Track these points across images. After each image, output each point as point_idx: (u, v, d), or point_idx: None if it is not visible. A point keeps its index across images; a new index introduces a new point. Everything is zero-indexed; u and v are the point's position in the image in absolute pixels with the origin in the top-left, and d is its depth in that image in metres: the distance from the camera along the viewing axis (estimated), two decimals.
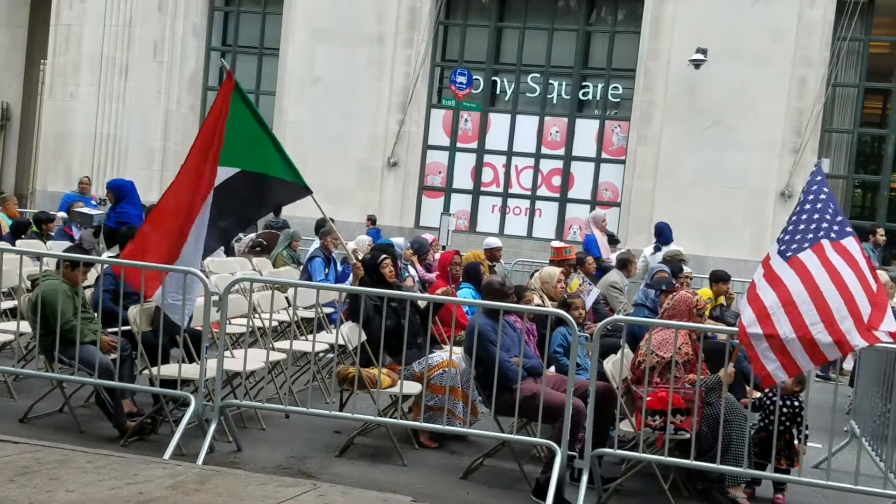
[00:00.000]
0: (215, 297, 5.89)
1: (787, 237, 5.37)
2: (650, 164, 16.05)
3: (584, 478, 5.34)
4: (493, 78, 17.29)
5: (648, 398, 5.47)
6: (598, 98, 16.91)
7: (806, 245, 5.24)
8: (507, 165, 17.20)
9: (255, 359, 6.38)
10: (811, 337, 5.02)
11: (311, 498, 4.48)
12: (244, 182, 6.25)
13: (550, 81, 17.01)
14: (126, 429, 5.98)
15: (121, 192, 9.93)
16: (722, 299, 9.18)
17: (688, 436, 5.42)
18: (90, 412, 6.43)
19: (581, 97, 16.97)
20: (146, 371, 6.07)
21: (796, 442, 5.71)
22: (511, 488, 5.76)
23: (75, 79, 18.46)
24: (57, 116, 18.71)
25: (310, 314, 8.18)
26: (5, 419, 6.18)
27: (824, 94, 15.48)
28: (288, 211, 16.02)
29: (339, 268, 9.53)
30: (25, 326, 6.44)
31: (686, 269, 9.68)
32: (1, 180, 21.52)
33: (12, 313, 7.52)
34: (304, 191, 6.48)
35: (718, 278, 9.27)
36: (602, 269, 10.07)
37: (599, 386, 5.50)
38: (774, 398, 5.64)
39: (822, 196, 5.43)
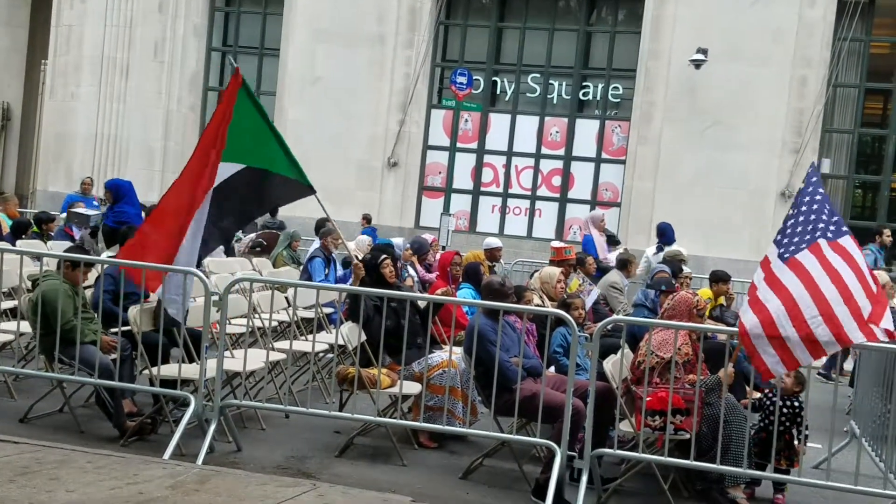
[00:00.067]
0: (215, 297, 5.89)
1: (784, 240, 5.38)
2: (650, 165, 16.05)
3: (584, 478, 5.34)
4: (494, 78, 17.29)
5: (648, 398, 5.47)
6: (598, 98, 16.90)
7: (803, 246, 5.26)
8: (507, 165, 17.20)
9: (255, 359, 6.38)
10: (810, 331, 5.02)
11: (310, 498, 4.48)
12: (248, 178, 6.26)
13: (551, 81, 17.01)
14: (126, 429, 5.98)
15: (119, 191, 9.94)
16: (722, 299, 9.18)
17: (687, 436, 5.42)
18: (90, 412, 6.43)
19: (581, 97, 16.97)
20: (146, 371, 6.07)
21: (796, 442, 5.71)
22: (511, 488, 5.76)
23: (76, 79, 18.46)
24: (57, 117, 18.71)
25: (310, 314, 8.19)
26: (5, 419, 6.18)
27: (825, 95, 15.47)
28: (287, 211, 16.03)
29: (340, 272, 9.51)
30: (26, 326, 6.44)
31: (686, 270, 9.69)
32: (2, 180, 21.53)
33: (13, 313, 7.52)
34: (308, 190, 6.49)
35: (718, 278, 9.27)
36: (601, 270, 10.08)
37: (599, 386, 5.50)
38: (774, 398, 5.64)
39: (818, 197, 5.44)
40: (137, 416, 6.18)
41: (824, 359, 8.79)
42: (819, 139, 15.68)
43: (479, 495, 5.61)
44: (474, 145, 17.37)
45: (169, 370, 6.12)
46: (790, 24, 15.40)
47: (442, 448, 6.49)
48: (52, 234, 10.91)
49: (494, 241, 10.08)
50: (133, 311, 6.07)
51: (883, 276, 8.53)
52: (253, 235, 11.59)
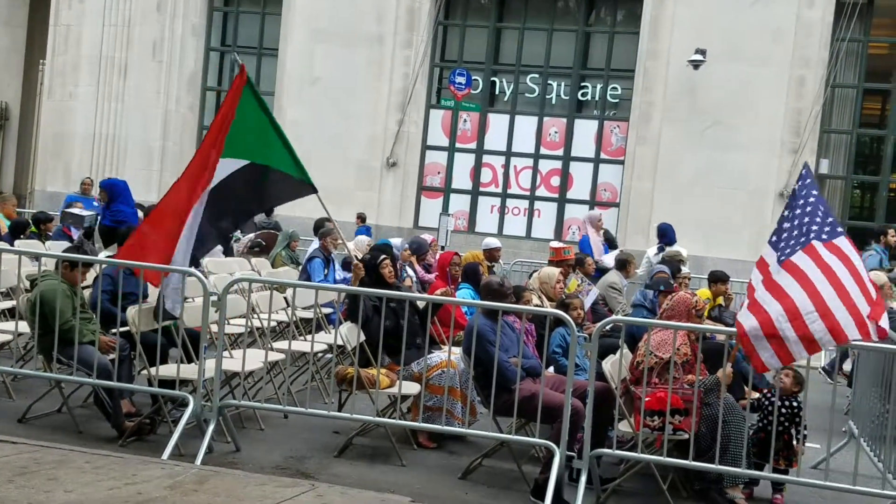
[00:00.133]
0: (214, 298, 5.89)
1: (780, 243, 5.39)
2: (649, 165, 16.06)
3: (583, 478, 5.34)
4: (492, 78, 17.29)
5: (647, 398, 5.47)
6: (597, 98, 16.91)
7: (797, 248, 5.27)
8: (506, 166, 17.21)
9: (254, 359, 6.37)
10: (807, 328, 5.03)
11: (309, 498, 4.47)
12: (250, 175, 6.27)
13: (549, 82, 17.02)
14: (124, 429, 5.97)
15: (114, 191, 9.94)
16: (720, 300, 9.19)
17: (686, 436, 5.42)
18: (89, 412, 6.43)
19: (580, 97, 16.97)
20: (144, 371, 6.07)
21: (795, 442, 5.71)
22: (510, 488, 5.76)
23: (74, 79, 18.45)
24: (56, 116, 18.70)
25: (308, 314, 8.19)
26: (4, 419, 6.17)
27: (823, 95, 15.49)
28: (286, 211, 16.02)
29: (341, 275, 9.49)
30: (24, 326, 6.43)
31: (685, 270, 9.69)
32: (0, 180, 21.52)
33: (11, 313, 7.51)
34: (310, 189, 6.50)
35: (717, 279, 9.28)
36: (599, 270, 10.07)
37: (598, 386, 5.50)
38: (773, 398, 5.64)
39: (811, 199, 5.44)
40: (136, 417, 6.17)
41: (827, 357, 8.79)
42: (817, 139, 15.69)
43: (479, 495, 5.61)
44: (473, 145, 17.37)
45: (167, 370, 6.11)
46: (789, 24, 15.41)
47: (441, 448, 6.48)
48: (51, 234, 10.90)
49: (493, 242, 10.08)
50: (131, 311, 6.07)
51: (882, 276, 8.54)
52: (252, 236, 11.59)
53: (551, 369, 6.35)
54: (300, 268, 10.00)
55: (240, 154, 6.21)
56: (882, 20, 16.12)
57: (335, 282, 9.39)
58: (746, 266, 11.77)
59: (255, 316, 7.18)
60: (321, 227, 10.62)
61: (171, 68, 18.17)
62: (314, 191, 6.51)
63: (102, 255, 8.07)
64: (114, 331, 6.16)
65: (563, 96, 17.00)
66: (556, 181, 17.05)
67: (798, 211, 5.44)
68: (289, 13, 17.50)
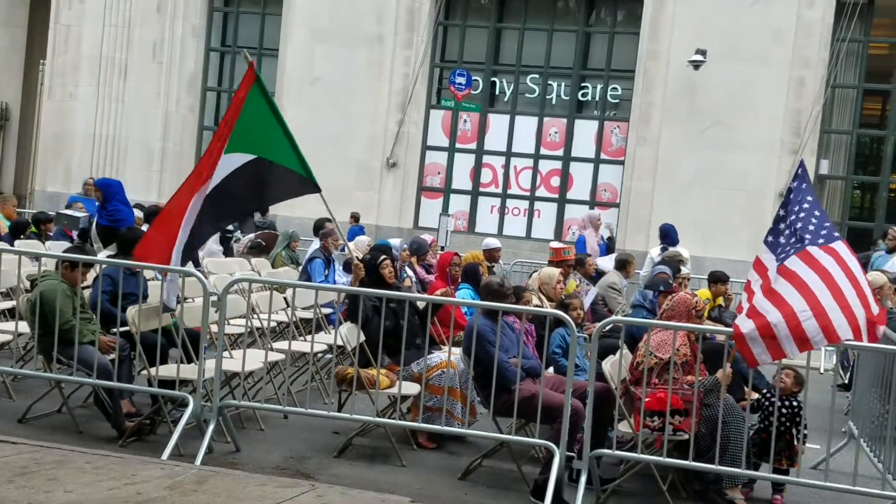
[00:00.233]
0: (214, 298, 5.89)
1: (777, 248, 5.39)
2: (649, 165, 16.06)
3: (583, 478, 5.34)
4: (493, 79, 17.29)
5: (647, 399, 5.47)
6: (597, 99, 16.91)
7: (791, 252, 5.28)
8: (506, 166, 17.21)
9: (254, 359, 6.37)
10: (799, 323, 5.04)
11: (309, 498, 4.47)
12: (255, 170, 6.28)
13: (549, 82, 17.02)
14: (124, 429, 5.97)
15: (109, 190, 9.94)
16: (720, 300, 9.19)
17: (686, 437, 5.42)
18: (89, 412, 6.43)
19: (580, 98, 16.98)
20: (144, 371, 6.07)
21: (796, 442, 5.71)
22: (509, 489, 5.76)
23: (74, 79, 18.46)
24: (56, 117, 18.71)
25: (308, 315, 8.19)
26: (4, 419, 6.17)
27: (823, 95, 15.49)
28: (286, 211, 16.09)
29: (343, 278, 9.48)
30: (24, 327, 6.43)
31: (684, 270, 9.69)
32: (0, 180, 21.52)
33: (11, 313, 7.51)
34: (314, 187, 6.52)
35: (717, 279, 9.28)
36: (598, 271, 10.06)
37: (598, 387, 5.50)
38: (773, 399, 5.64)
39: (805, 206, 5.44)
40: (136, 417, 6.17)
41: (828, 357, 8.79)
42: (817, 140, 15.70)
43: (478, 496, 5.61)
44: (473, 146, 17.37)
45: (167, 370, 6.11)
46: (789, 24, 15.41)
47: (441, 448, 6.48)
48: (51, 234, 10.91)
49: (493, 242, 10.08)
50: (131, 311, 6.07)
51: (881, 277, 8.54)
52: (252, 236, 11.59)
53: (551, 370, 6.35)
54: (300, 268, 10.00)
55: (247, 149, 6.23)
56: (882, 20, 16.12)
57: (335, 283, 9.39)
58: (746, 266, 11.75)
59: (255, 316, 7.18)
60: (321, 228, 10.62)
61: (171, 69, 18.18)
62: (318, 190, 6.53)
63: (102, 255, 8.07)
64: (114, 330, 6.16)
65: (563, 97, 17.00)
66: (556, 181, 17.06)
67: (793, 217, 5.45)
68: (289, 13, 17.50)
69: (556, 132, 17.05)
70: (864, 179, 16.67)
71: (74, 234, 10.85)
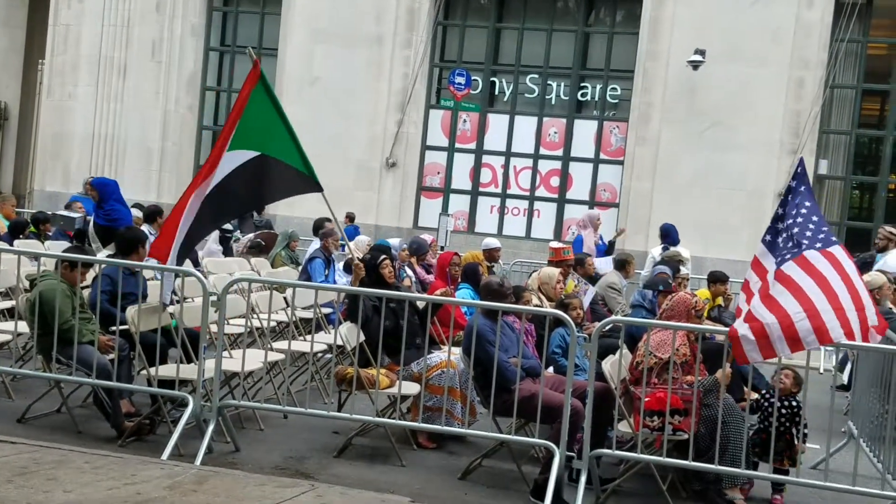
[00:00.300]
0: (213, 298, 5.88)
1: (775, 251, 5.41)
2: (648, 165, 16.06)
3: (583, 478, 5.34)
4: (492, 79, 17.29)
5: (647, 399, 5.48)
6: (596, 99, 16.91)
7: (788, 256, 5.30)
8: (506, 166, 17.21)
9: (254, 359, 6.37)
10: (792, 324, 5.05)
11: (309, 498, 4.47)
12: (259, 166, 6.29)
13: (549, 82, 17.02)
14: (124, 429, 5.97)
15: (106, 190, 9.95)
16: (720, 300, 9.20)
17: (686, 437, 5.42)
18: (88, 412, 6.42)
19: (579, 98, 16.98)
20: (144, 371, 6.06)
21: (796, 441, 5.71)
22: (509, 489, 5.76)
23: (73, 79, 18.44)
24: (55, 116, 18.70)
25: (308, 314, 8.18)
26: (3, 419, 6.17)
27: (822, 96, 15.50)
28: (286, 211, 16.09)
29: (344, 279, 9.48)
30: (23, 326, 6.43)
31: (683, 270, 9.69)
32: None
33: (10, 313, 7.51)
34: (316, 186, 6.53)
35: (716, 279, 9.29)
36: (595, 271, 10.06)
37: (598, 386, 5.50)
38: (773, 399, 5.64)
39: (804, 211, 5.45)
40: (135, 417, 6.17)
41: (828, 358, 8.78)
42: (816, 140, 15.70)
43: (478, 496, 5.61)
44: (473, 146, 17.37)
45: (167, 370, 6.11)
46: (788, 25, 15.42)
47: (441, 448, 6.48)
48: (50, 234, 10.91)
49: (493, 242, 10.08)
50: (131, 311, 6.06)
51: (881, 277, 8.53)
52: (251, 236, 11.59)
53: (551, 369, 6.36)
54: (300, 268, 10.00)
55: (250, 146, 6.25)
56: (881, 21, 16.13)
57: (335, 283, 9.39)
58: (745, 266, 11.74)
59: (255, 316, 7.18)
60: (321, 228, 10.63)
61: (170, 68, 18.17)
62: (319, 189, 6.54)
63: (102, 255, 8.07)
64: (112, 330, 6.16)
65: (562, 97, 17.01)
66: (555, 181, 17.06)
67: (790, 221, 5.46)
68: (288, 13, 17.50)
69: (555, 132, 17.05)
70: (862, 179, 16.68)
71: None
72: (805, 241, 5.31)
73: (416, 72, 16.96)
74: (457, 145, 17.44)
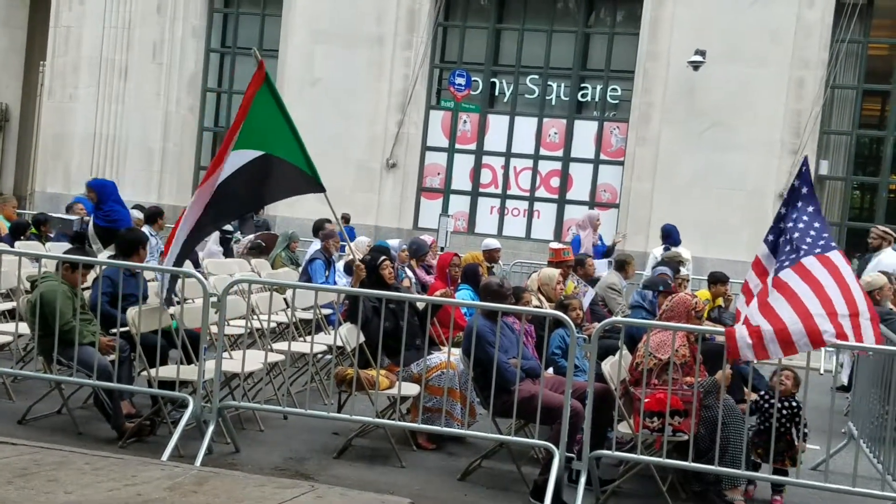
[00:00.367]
0: (214, 299, 5.89)
1: (777, 251, 5.42)
2: (649, 166, 16.06)
3: (583, 479, 5.35)
4: (492, 79, 17.30)
5: (646, 400, 5.48)
6: (596, 99, 16.92)
7: (787, 263, 5.32)
8: (506, 167, 17.21)
9: (254, 360, 6.38)
10: (785, 328, 5.07)
11: (308, 499, 4.48)
12: (263, 166, 6.31)
13: (549, 83, 17.02)
14: (124, 430, 5.98)
15: (105, 191, 9.96)
16: (720, 301, 9.20)
17: (686, 437, 5.42)
18: (89, 413, 6.43)
19: (580, 98, 16.98)
20: (144, 372, 6.07)
21: (796, 440, 5.71)
22: (509, 490, 5.77)
23: (74, 80, 18.46)
24: (56, 117, 18.71)
25: (308, 315, 8.19)
26: (4, 420, 6.18)
27: (823, 96, 15.50)
28: (287, 212, 16.10)
29: (344, 280, 9.49)
30: (24, 328, 6.44)
31: (683, 271, 9.69)
32: (0, 182, 21.53)
33: (11, 315, 7.52)
34: (318, 187, 6.55)
35: (716, 280, 9.29)
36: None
37: (597, 387, 5.50)
38: (772, 400, 5.64)
39: (805, 217, 5.46)
40: (136, 418, 6.18)
41: (827, 358, 8.79)
42: (817, 140, 15.69)
43: (478, 496, 5.61)
44: (473, 146, 17.38)
45: (167, 371, 6.12)
46: (788, 25, 15.41)
47: (440, 449, 6.49)
48: (51, 235, 10.92)
49: (493, 242, 10.08)
50: (131, 312, 6.07)
51: (881, 278, 8.53)
52: (252, 237, 11.59)
53: (550, 370, 6.36)
54: (300, 269, 10.00)
55: (255, 145, 6.27)
56: (882, 21, 16.13)
57: (336, 284, 9.39)
58: (746, 267, 11.75)
59: (255, 317, 7.19)
60: (321, 228, 10.63)
61: (171, 70, 18.19)
62: (322, 189, 6.55)
63: (103, 256, 8.08)
64: (113, 331, 6.16)
65: (562, 97, 17.01)
66: (555, 182, 17.06)
67: (790, 225, 5.48)
68: (289, 14, 17.51)
69: (555, 133, 17.06)
70: (863, 180, 16.67)
71: None
72: (804, 247, 5.33)
73: (417, 72, 16.96)
74: (457, 146, 17.45)
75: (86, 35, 18.30)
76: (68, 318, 5.99)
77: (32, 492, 4.20)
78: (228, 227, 12.19)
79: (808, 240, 5.36)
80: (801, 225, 5.43)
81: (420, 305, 6.50)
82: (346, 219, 15.20)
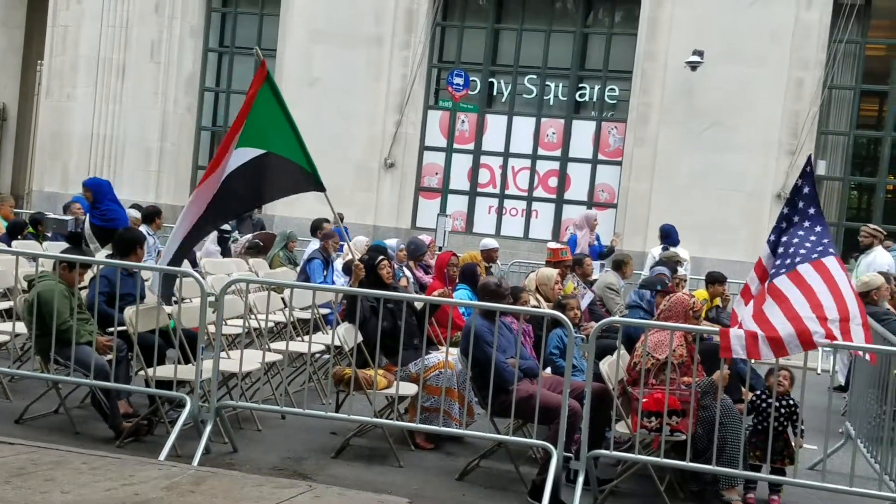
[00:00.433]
0: (211, 298, 5.89)
1: (778, 252, 5.44)
2: (647, 166, 16.06)
3: (580, 479, 5.35)
4: (490, 79, 17.30)
5: (644, 399, 5.48)
6: (594, 99, 16.92)
7: (783, 271, 5.34)
8: (504, 167, 17.21)
9: (252, 360, 6.38)
10: (776, 332, 5.08)
11: (306, 499, 4.48)
12: (265, 164, 6.32)
13: (547, 83, 17.03)
14: (122, 430, 5.97)
15: (101, 190, 9.96)
16: (718, 301, 9.20)
17: (683, 437, 5.43)
18: (86, 413, 6.43)
19: (578, 99, 16.98)
20: (142, 372, 6.07)
21: (793, 440, 5.71)
22: (507, 489, 5.77)
23: (72, 79, 18.44)
24: (54, 117, 18.69)
25: (306, 315, 8.19)
26: (1, 420, 6.18)
27: (821, 96, 15.51)
28: (285, 211, 16.09)
29: (342, 280, 9.49)
30: (21, 327, 6.43)
31: (681, 271, 9.69)
32: None
33: (8, 314, 7.51)
34: (319, 186, 6.56)
35: (714, 280, 9.29)
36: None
37: (595, 387, 5.51)
38: (770, 400, 5.65)
39: (807, 224, 5.47)
40: (133, 417, 6.17)
41: (825, 358, 8.80)
42: (815, 141, 15.70)
43: (476, 496, 5.61)
44: (471, 146, 17.38)
45: (165, 371, 6.11)
46: (787, 25, 15.42)
47: (438, 449, 6.49)
48: (49, 234, 10.91)
49: (491, 242, 10.08)
50: (129, 311, 6.06)
51: (878, 278, 8.54)
52: (250, 236, 11.59)
53: (549, 370, 6.36)
54: (298, 268, 10.00)
55: (257, 144, 6.29)
56: (880, 22, 16.14)
57: (334, 284, 9.39)
58: (744, 267, 11.82)
59: (253, 316, 7.18)
60: (319, 228, 10.63)
61: (169, 69, 18.17)
62: (322, 188, 6.56)
63: (101, 255, 8.07)
64: (110, 330, 6.16)
65: (560, 97, 17.01)
66: (553, 182, 17.07)
67: (791, 228, 5.48)
68: (287, 14, 17.50)
69: (553, 133, 17.06)
70: (861, 180, 16.69)
71: None
72: (802, 253, 5.35)
73: (415, 72, 16.96)
74: (455, 146, 17.45)
75: (83, 34, 18.28)
76: (66, 318, 5.99)
77: (29, 491, 4.20)
78: (226, 227, 12.19)
79: (808, 244, 5.38)
80: (801, 231, 5.45)
81: (418, 305, 6.50)
82: (340, 218, 15.20)
